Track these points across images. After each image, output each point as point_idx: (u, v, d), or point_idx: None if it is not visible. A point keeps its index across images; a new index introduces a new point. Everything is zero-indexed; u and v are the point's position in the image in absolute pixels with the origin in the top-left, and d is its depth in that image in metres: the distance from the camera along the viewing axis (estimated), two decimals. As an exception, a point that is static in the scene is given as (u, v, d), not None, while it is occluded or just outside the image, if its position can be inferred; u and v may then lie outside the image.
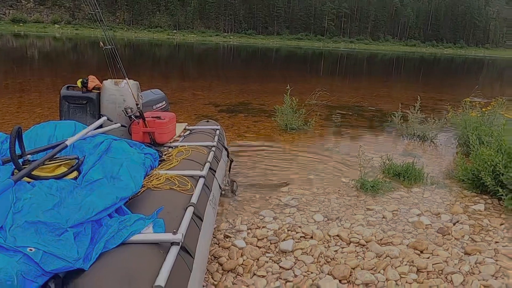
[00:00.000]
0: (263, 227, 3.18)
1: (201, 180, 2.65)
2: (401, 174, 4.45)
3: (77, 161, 2.06)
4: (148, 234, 1.70)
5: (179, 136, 4.13)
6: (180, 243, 1.71)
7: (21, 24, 78.39)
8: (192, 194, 2.35)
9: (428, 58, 53.93)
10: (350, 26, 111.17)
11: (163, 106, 4.73)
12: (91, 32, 66.68)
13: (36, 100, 8.51)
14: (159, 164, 2.90)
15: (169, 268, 1.55)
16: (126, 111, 3.46)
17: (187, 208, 2.12)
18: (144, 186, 2.31)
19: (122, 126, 3.17)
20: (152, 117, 3.62)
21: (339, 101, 10.35)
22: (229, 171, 4.30)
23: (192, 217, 2.08)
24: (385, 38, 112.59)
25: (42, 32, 67.82)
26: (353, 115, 8.78)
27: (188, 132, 4.33)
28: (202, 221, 2.21)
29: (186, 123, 4.61)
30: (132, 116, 3.48)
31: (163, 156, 3.15)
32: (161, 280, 1.46)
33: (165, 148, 3.58)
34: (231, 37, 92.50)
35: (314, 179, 4.44)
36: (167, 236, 1.70)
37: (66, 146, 2.09)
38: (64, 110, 3.65)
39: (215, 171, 3.19)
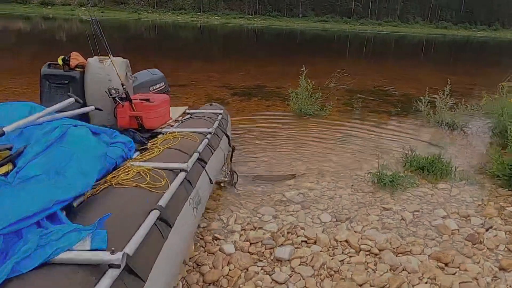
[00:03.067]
0: (260, 227, 2.77)
1: (182, 175, 2.23)
2: (426, 168, 3.92)
3: (10, 152, 1.68)
4: (79, 252, 1.30)
5: (176, 120, 3.72)
6: (121, 265, 1.30)
7: (49, 7, 79.31)
8: (164, 193, 1.94)
9: (460, 41, 51.32)
10: (378, 7, 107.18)
11: (162, 87, 4.34)
12: (116, 14, 66.99)
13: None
14: (141, 154, 2.51)
15: None
16: (109, 92, 3.06)
17: (149, 212, 1.71)
18: (106, 182, 1.92)
19: (96, 109, 2.76)
20: (140, 100, 3.22)
21: (361, 84, 9.67)
22: (231, 160, 3.88)
23: (155, 224, 1.68)
24: (415, 20, 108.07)
25: (70, 14, 68.41)
26: (375, 99, 8.14)
27: (188, 116, 3.93)
28: (171, 227, 1.80)
29: (187, 107, 4.20)
30: (117, 98, 3.09)
31: (148, 144, 2.76)
32: None
33: (155, 134, 3.19)
34: (255, 19, 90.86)
35: (325, 171, 3.97)
36: (101, 256, 1.29)
37: (3, 133, 1.71)
38: (44, 91, 3.30)
39: (206, 162, 2.77)
